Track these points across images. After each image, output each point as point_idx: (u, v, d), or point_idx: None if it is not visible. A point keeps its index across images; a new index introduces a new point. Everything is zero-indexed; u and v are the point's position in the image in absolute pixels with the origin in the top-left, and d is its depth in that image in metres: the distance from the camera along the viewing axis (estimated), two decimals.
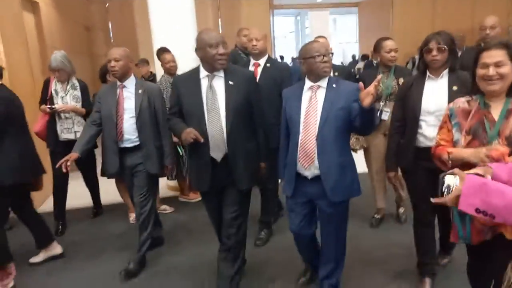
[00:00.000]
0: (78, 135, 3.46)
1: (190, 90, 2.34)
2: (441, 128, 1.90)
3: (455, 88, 2.27)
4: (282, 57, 13.82)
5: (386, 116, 3.14)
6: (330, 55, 2.21)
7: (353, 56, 12.02)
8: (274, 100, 2.87)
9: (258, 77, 3.00)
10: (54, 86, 3.56)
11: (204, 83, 2.33)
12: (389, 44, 3.14)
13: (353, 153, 3.21)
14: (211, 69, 2.31)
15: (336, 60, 12.37)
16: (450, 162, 1.73)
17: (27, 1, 4.38)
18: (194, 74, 2.38)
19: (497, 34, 3.54)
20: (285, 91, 2.42)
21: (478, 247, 1.77)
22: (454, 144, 1.80)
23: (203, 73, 2.34)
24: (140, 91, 2.86)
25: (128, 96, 2.85)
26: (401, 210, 3.56)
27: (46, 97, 3.57)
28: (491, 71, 1.65)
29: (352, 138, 3.31)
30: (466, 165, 1.60)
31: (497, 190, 1.17)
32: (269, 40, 8.44)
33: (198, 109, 2.30)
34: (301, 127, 2.20)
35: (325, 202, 2.22)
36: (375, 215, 3.53)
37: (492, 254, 1.74)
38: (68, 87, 3.58)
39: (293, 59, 11.01)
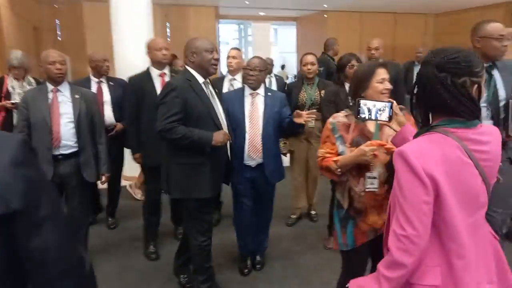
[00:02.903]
0: None
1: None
2: (324, 142, 1.97)
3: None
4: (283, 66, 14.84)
5: (312, 123, 3.40)
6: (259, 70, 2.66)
7: (282, 66, 14.79)
8: None
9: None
10: (11, 82, 3.78)
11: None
12: (306, 58, 3.42)
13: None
14: (206, 74, 2.35)
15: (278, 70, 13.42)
16: (339, 170, 1.86)
17: None
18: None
19: (381, 54, 3.80)
20: (224, 94, 2.89)
21: (359, 250, 1.92)
22: (340, 155, 1.89)
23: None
24: (76, 96, 2.76)
25: (64, 101, 2.72)
26: (313, 212, 3.87)
27: (0, 94, 3.74)
28: (389, 84, 1.86)
29: (281, 143, 3.51)
30: (354, 167, 1.86)
31: None
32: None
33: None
34: (247, 126, 2.69)
35: (263, 183, 2.77)
36: (292, 215, 3.81)
37: (374, 256, 1.88)
38: (25, 83, 3.82)
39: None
